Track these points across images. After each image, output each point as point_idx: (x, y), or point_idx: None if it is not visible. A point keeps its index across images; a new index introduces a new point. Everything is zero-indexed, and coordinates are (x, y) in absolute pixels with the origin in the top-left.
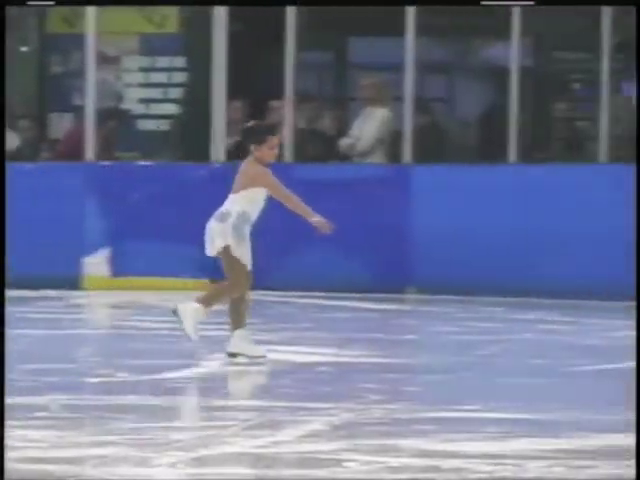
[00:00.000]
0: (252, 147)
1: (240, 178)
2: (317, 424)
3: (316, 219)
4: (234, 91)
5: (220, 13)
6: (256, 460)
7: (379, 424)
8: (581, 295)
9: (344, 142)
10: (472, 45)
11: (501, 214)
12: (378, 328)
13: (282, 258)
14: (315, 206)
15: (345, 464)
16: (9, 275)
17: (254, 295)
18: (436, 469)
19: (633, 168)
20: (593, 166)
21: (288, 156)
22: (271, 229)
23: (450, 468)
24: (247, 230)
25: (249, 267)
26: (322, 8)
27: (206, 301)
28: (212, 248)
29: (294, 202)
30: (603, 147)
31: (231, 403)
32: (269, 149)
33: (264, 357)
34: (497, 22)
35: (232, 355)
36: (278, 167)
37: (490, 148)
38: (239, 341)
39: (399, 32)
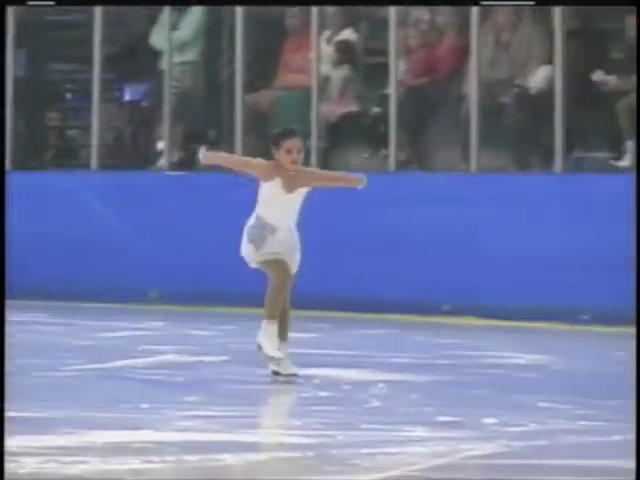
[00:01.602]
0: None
1: None
2: None
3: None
4: None
5: None
6: None
7: None
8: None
9: None
10: None
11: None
12: None
13: None
14: None
15: None
16: None
17: None
18: None
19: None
20: (85, 174)
21: None
22: None
23: None
24: (267, 234)
25: (280, 257)
26: None
27: (267, 314)
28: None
29: (323, 179)
30: (94, 154)
31: None
32: (286, 153)
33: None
34: None
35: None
36: None
37: None
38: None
39: None
